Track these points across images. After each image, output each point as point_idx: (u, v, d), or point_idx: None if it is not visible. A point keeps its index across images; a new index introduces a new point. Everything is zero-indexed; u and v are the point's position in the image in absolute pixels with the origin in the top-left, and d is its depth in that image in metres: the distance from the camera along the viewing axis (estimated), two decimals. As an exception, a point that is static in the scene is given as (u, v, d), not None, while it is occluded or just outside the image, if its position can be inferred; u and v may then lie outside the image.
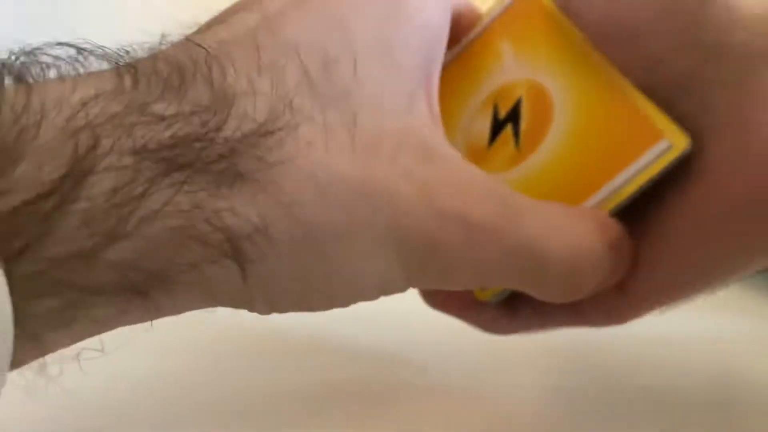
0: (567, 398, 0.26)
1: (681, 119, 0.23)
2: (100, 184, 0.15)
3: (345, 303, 0.19)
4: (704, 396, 0.26)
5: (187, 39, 0.18)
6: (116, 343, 0.18)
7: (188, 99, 0.16)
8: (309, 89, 0.18)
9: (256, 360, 0.29)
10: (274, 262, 0.17)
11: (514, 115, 0.26)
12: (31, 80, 0.16)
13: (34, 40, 0.17)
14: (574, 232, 0.20)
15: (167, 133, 0.16)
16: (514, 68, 0.27)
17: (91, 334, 0.17)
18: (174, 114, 0.16)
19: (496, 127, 0.27)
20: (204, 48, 0.17)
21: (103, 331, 0.17)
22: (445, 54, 0.26)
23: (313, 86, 0.18)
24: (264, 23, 0.18)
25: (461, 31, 0.27)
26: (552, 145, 0.25)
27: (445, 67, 0.27)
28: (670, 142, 0.23)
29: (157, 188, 0.15)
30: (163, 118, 0.16)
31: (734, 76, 0.22)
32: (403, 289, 0.19)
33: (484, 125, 0.27)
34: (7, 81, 0.16)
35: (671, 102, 0.23)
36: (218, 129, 0.16)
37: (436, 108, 0.21)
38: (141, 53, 0.18)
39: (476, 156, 0.26)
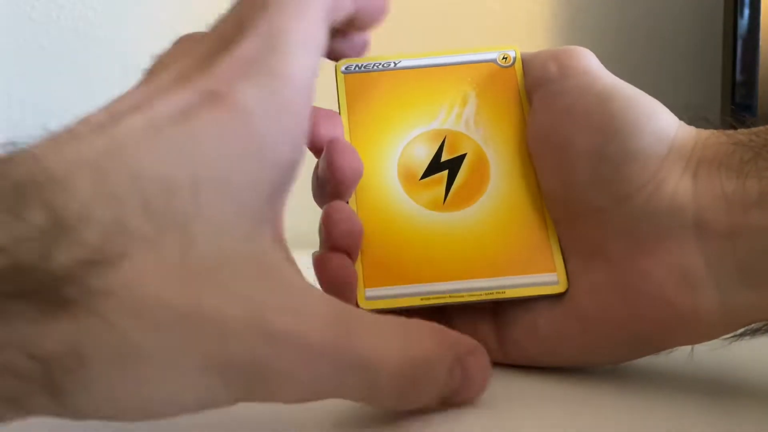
0: (565, 396, 0.26)
1: (568, 236, 0.28)
2: None
3: (165, 417, 0.19)
4: (704, 395, 0.27)
5: (34, 155, 0.18)
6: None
7: (24, 224, 0.17)
8: (147, 215, 0.18)
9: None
10: (88, 389, 0.17)
11: (453, 167, 0.29)
12: None
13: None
14: (404, 344, 0.21)
15: None
16: (471, 124, 0.30)
17: None
18: (5, 244, 0.16)
19: (434, 166, 0.29)
20: (48, 169, 0.17)
21: None
22: (409, 58, 0.30)
23: (152, 212, 0.18)
24: (112, 149, 0.19)
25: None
26: (469, 218, 0.29)
27: (405, 71, 0.31)
28: (558, 278, 0.28)
29: None
30: None
31: (634, 230, 0.26)
32: (230, 404, 0.20)
33: (426, 156, 0.30)
34: None
35: (576, 224, 0.27)
36: (47, 257, 0.17)
37: (281, 234, 0.22)
38: None
39: (407, 180, 0.29)
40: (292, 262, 0.21)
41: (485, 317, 0.29)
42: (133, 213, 0.18)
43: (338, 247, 0.27)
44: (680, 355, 0.28)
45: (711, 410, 0.25)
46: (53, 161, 0.18)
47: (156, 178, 0.18)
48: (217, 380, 0.19)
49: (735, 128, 0.26)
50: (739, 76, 0.61)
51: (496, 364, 0.28)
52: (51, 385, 0.17)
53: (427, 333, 0.23)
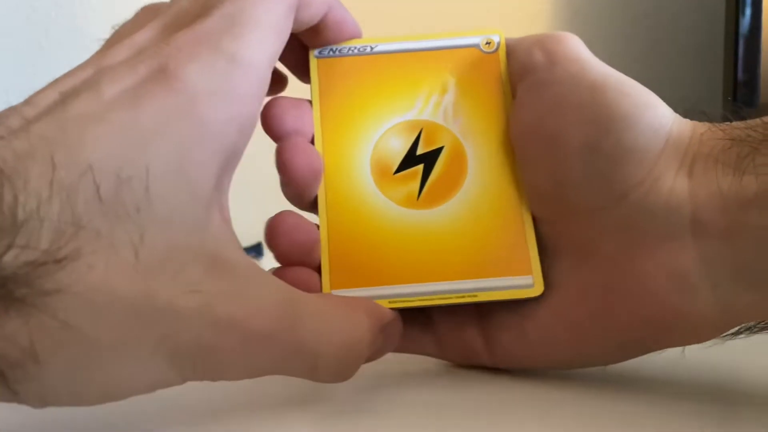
0: (564, 396, 0.26)
1: (557, 236, 0.26)
2: None
3: (119, 399, 0.20)
4: (704, 395, 0.26)
5: None
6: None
7: None
8: (98, 208, 0.18)
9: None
10: (43, 381, 0.18)
11: (429, 160, 0.28)
12: None
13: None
14: (345, 328, 0.22)
15: None
16: (450, 115, 0.28)
17: None
18: None
19: (409, 159, 0.28)
20: None
21: None
22: (381, 43, 0.28)
23: (103, 205, 0.18)
24: (62, 138, 0.18)
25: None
26: (442, 217, 0.27)
27: (382, 56, 0.28)
28: (533, 281, 0.26)
29: None
30: None
31: (631, 229, 0.24)
32: (179, 384, 0.20)
33: (400, 148, 0.28)
34: None
35: (566, 223, 0.26)
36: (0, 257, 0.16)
37: (228, 215, 0.22)
38: None
39: (380, 174, 0.27)
40: (238, 244, 0.22)
41: (471, 321, 0.28)
42: (86, 208, 0.18)
43: (290, 261, 0.26)
44: (673, 354, 0.27)
45: (705, 409, 0.25)
46: (4, 155, 0.18)
47: (108, 169, 0.18)
48: (168, 364, 0.19)
49: (731, 121, 0.25)
50: (740, 76, 0.61)
51: (485, 368, 0.28)
52: (4, 380, 0.17)
53: (362, 309, 0.23)
